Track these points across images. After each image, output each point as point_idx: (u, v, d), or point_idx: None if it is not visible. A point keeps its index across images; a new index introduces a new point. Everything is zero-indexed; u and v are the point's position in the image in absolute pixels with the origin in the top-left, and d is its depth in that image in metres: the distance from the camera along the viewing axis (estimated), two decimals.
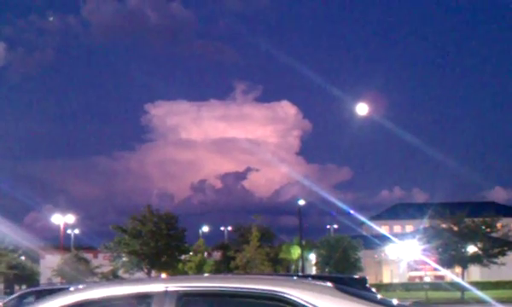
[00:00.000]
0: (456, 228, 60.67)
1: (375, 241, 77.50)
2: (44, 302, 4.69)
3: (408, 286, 73.32)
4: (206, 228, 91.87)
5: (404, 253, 71.41)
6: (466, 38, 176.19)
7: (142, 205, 69.53)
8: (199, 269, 68.07)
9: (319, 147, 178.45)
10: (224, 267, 68.47)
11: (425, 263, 65.52)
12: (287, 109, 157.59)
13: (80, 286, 5.00)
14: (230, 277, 5.00)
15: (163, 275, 56.06)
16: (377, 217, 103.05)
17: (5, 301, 20.54)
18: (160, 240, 64.62)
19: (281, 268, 72.72)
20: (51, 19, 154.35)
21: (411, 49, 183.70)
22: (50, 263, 73.07)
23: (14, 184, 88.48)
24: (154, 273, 65.37)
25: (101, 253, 75.36)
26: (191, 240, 73.41)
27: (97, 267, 70.71)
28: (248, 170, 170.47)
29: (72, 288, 4.92)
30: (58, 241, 73.75)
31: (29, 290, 22.53)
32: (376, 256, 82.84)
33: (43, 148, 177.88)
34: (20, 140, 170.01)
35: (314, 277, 17.85)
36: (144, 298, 4.49)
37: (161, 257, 65.27)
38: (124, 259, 66.97)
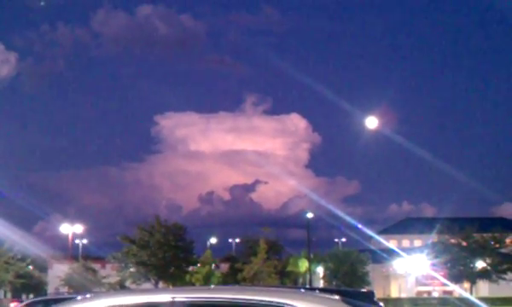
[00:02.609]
0: (464, 244, 60.45)
1: (383, 255, 77.19)
2: None
3: (416, 301, 72.83)
4: (213, 240, 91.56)
5: (412, 268, 71.10)
6: (477, 53, 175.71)
7: (150, 216, 69.57)
8: (206, 281, 67.80)
9: (328, 160, 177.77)
10: (232, 279, 68.21)
11: (433, 278, 65.24)
12: (296, 122, 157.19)
13: (87, 296, 5.01)
14: (237, 288, 5.02)
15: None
16: (385, 232, 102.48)
17: None
18: (167, 251, 64.61)
19: (288, 280, 72.38)
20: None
21: (421, 63, 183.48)
22: (58, 273, 73.10)
23: (23, 194, 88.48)
24: (161, 284, 65.25)
25: (108, 263, 75.30)
26: (199, 251, 73.32)
27: (105, 277, 70.64)
28: (257, 182, 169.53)
29: (79, 298, 4.93)
30: (66, 251, 73.80)
31: (36, 299, 22.60)
32: (384, 270, 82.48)
33: (52, 159, 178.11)
34: (30, 150, 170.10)
35: (321, 290, 17.79)
36: None
37: (169, 268, 65.23)
38: (131, 270, 66.95)
